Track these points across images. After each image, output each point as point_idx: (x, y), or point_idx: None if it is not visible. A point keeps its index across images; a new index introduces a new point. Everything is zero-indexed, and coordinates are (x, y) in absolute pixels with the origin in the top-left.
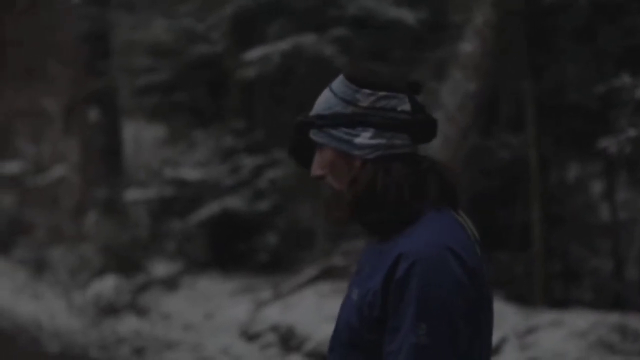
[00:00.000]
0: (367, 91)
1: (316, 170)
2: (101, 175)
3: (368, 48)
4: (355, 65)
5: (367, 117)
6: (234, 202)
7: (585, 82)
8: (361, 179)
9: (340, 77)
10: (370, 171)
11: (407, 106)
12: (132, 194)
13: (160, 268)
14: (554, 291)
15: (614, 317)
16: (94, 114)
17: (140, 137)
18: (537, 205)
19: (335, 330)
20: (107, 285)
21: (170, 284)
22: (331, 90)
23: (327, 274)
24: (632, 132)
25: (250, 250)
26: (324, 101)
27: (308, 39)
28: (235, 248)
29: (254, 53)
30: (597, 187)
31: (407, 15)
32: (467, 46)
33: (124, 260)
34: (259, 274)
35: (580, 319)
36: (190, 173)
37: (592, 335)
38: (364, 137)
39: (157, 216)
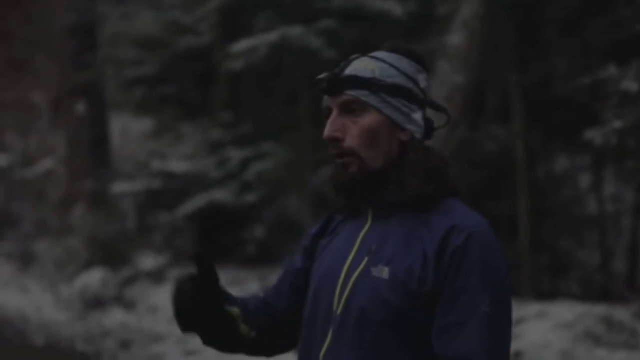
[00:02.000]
0: (426, 75)
1: (335, 131)
2: (88, 167)
3: (355, 40)
4: (402, 44)
5: (421, 99)
6: (221, 195)
7: (572, 74)
8: (402, 154)
9: (391, 53)
10: (416, 148)
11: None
12: (119, 187)
13: (147, 261)
14: (541, 283)
15: (599, 309)
16: (81, 107)
17: (127, 129)
18: (524, 197)
19: (347, 313)
20: (94, 278)
21: (157, 276)
22: (384, 61)
23: None
24: (617, 124)
25: (238, 243)
26: (380, 69)
27: (295, 31)
28: (222, 240)
29: (241, 45)
30: (584, 179)
31: (395, 7)
32: (455, 38)
33: (111, 253)
34: (247, 267)
35: (566, 311)
36: (178, 165)
37: (578, 326)
38: (418, 116)
39: (144, 209)
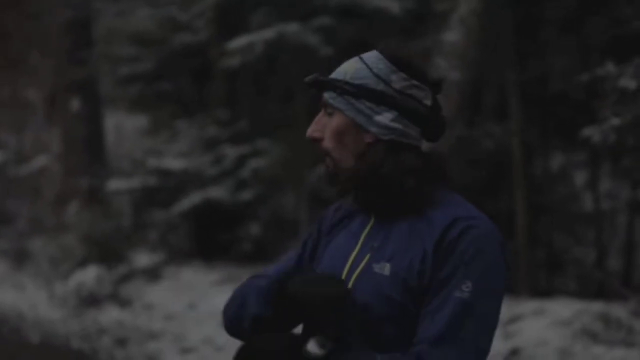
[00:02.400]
0: (404, 75)
1: (315, 132)
2: (83, 165)
3: (352, 37)
4: (393, 46)
5: (394, 100)
6: (217, 192)
7: (570, 71)
8: (370, 155)
9: (376, 53)
10: (381, 151)
11: (429, 101)
12: (115, 184)
13: (143, 258)
14: (538, 280)
15: (597, 306)
16: (76, 104)
17: (121, 126)
18: (521, 194)
19: (352, 308)
20: (89, 275)
21: (153, 274)
22: (364, 62)
23: None
24: (615, 121)
25: (234, 240)
26: (354, 70)
27: (292, 28)
28: (218, 238)
29: (238, 42)
30: (579, 176)
31: (392, 5)
32: (452, 35)
33: (106, 251)
34: (242, 264)
35: (563, 308)
36: (173, 163)
37: (575, 324)
38: (385, 117)
39: (139, 206)
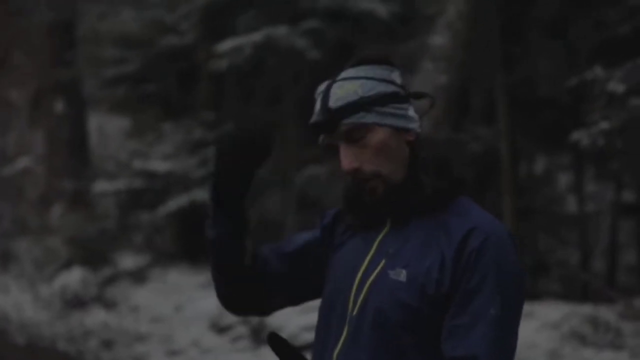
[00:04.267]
0: (397, 71)
1: (352, 162)
2: (67, 166)
3: (339, 41)
4: (370, 50)
5: (404, 94)
6: (203, 194)
7: (556, 75)
8: (426, 150)
9: (361, 66)
10: (429, 142)
11: None
12: (101, 186)
13: (128, 260)
14: None
15: (585, 309)
16: (59, 105)
17: (103, 128)
18: (508, 197)
19: (364, 314)
20: (74, 277)
21: (139, 276)
22: (358, 78)
23: None
24: (604, 125)
25: None
26: (358, 87)
27: (280, 31)
28: (204, 240)
29: (226, 45)
30: (563, 179)
31: (379, 8)
32: (439, 38)
33: (91, 253)
34: None
35: (552, 311)
36: (159, 165)
37: (564, 326)
38: (412, 112)
39: (125, 208)
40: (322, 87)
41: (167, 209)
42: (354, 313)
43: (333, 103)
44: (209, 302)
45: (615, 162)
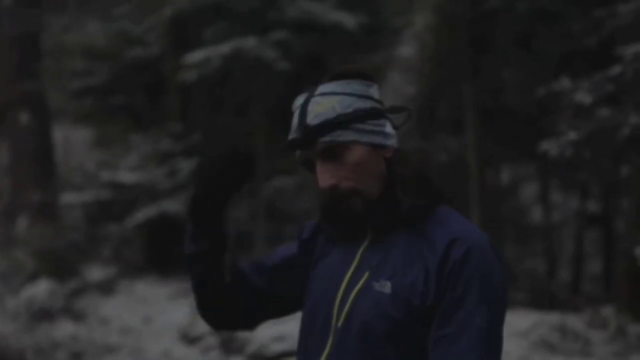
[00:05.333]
0: (375, 85)
1: (330, 179)
2: (32, 178)
3: (308, 52)
4: (348, 63)
5: (382, 109)
6: (171, 205)
7: (523, 86)
8: (403, 165)
9: (336, 82)
10: (405, 157)
11: None
12: (68, 197)
13: (96, 272)
14: None
15: (554, 318)
16: (24, 117)
17: (68, 140)
18: (477, 207)
19: (348, 326)
20: (40, 289)
21: (107, 288)
22: (336, 93)
23: None
24: (572, 136)
25: None
26: (336, 104)
27: (249, 42)
28: (172, 252)
29: (195, 56)
30: (528, 189)
31: (347, 19)
32: (407, 50)
33: (58, 265)
34: None
35: (521, 319)
36: (127, 176)
37: (533, 334)
38: (389, 127)
39: (93, 220)
40: (299, 101)
41: (135, 220)
42: (339, 324)
43: (311, 120)
44: (179, 314)
45: (581, 173)
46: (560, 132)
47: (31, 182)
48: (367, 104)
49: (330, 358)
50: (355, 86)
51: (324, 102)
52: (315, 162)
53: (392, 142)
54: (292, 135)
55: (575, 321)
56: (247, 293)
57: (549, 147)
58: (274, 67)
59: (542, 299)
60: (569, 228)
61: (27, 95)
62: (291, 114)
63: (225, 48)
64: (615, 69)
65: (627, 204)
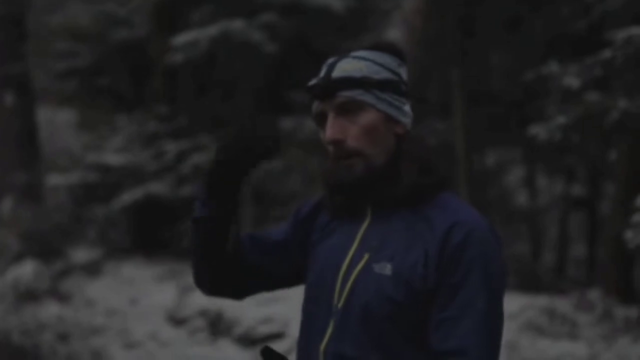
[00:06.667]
0: (405, 67)
1: (336, 133)
2: (17, 159)
3: (295, 35)
4: (381, 41)
5: (406, 90)
6: (158, 188)
7: (510, 70)
8: (396, 147)
9: (370, 50)
10: (418, 139)
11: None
12: (54, 179)
13: (82, 254)
14: None
15: (542, 301)
16: (9, 99)
17: (53, 122)
18: (464, 191)
19: (349, 307)
20: (26, 270)
21: (92, 269)
22: (368, 59)
23: None
24: (561, 120)
25: (174, 236)
26: (364, 67)
27: (237, 25)
28: (158, 233)
29: (182, 38)
30: (514, 173)
31: (335, 2)
32: (395, 33)
33: (43, 246)
34: (183, 260)
35: (509, 302)
36: (113, 158)
37: (521, 317)
38: (408, 107)
39: (79, 202)
40: (331, 60)
41: (121, 202)
42: (340, 305)
43: (336, 73)
44: (165, 295)
45: (568, 157)
46: (549, 116)
47: (16, 164)
48: (394, 78)
49: (333, 339)
50: (386, 59)
51: (354, 63)
52: (329, 114)
53: (407, 121)
54: (314, 81)
55: (563, 304)
56: (244, 266)
57: (538, 131)
58: (261, 49)
59: (529, 282)
60: (554, 212)
61: (12, 77)
62: (278, 97)
63: (212, 30)
64: (606, 53)
65: (613, 188)
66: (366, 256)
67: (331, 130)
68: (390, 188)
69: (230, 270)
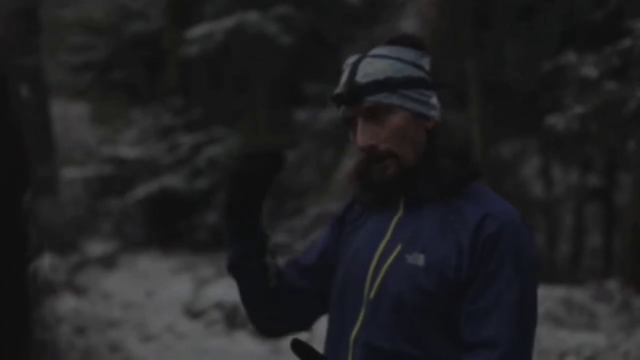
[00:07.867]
0: (428, 58)
1: (369, 140)
2: (32, 153)
3: (310, 26)
4: (403, 33)
5: (430, 81)
6: (173, 181)
7: (525, 61)
8: (447, 138)
9: (391, 46)
10: (449, 131)
11: None
12: (69, 173)
13: (97, 247)
14: None
15: (559, 291)
16: (23, 92)
17: (67, 115)
18: (481, 181)
19: (381, 298)
20: (42, 263)
21: (108, 262)
22: (389, 57)
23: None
24: (579, 109)
25: (190, 229)
26: (387, 67)
27: (252, 17)
28: (174, 226)
29: (197, 30)
30: (529, 164)
31: None
32: (409, 24)
33: (59, 239)
34: (199, 252)
35: None
36: (128, 151)
37: (539, 308)
38: (435, 100)
39: (94, 195)
40: (351, 60)
41: (136, 195)
42: (371, 296)
43: (360, 78)
44: (181, 288)
45: (585, 147)
46: (566, 106)
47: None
48: (417, 73)
49: (363, 329)
50: (408, 54)
51: (376, 64)
52: (357, 120)
53: (436, 114)
54: (339, 89)
55: (581, 295)
56: (294, 295)
57: (556, 121)
58: (276, 41)
59: (546, 273)
60: (569, 203)
61: (26, 70)
62: (293, 89)
63: (227, 22)
64: (625, 43)
65: (629, 178)
66: (399, 247)
67: (362, 137)
68: (427, 184)
69: (282, 305)
